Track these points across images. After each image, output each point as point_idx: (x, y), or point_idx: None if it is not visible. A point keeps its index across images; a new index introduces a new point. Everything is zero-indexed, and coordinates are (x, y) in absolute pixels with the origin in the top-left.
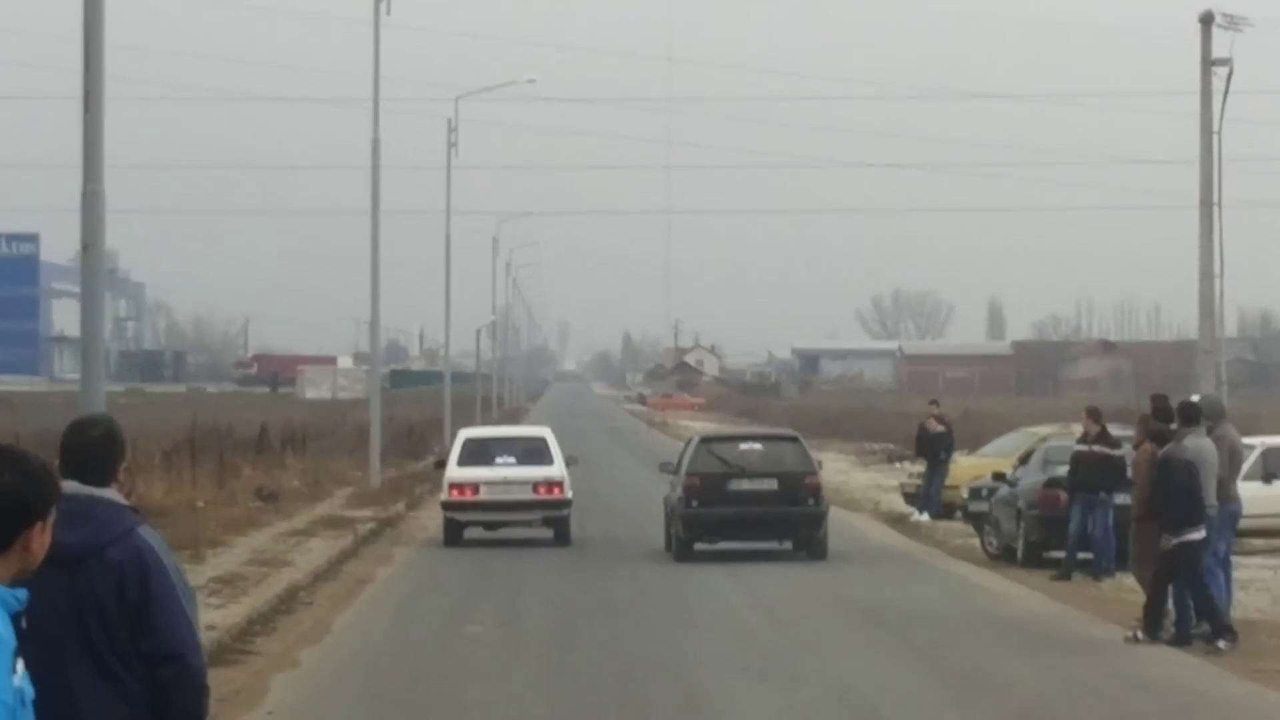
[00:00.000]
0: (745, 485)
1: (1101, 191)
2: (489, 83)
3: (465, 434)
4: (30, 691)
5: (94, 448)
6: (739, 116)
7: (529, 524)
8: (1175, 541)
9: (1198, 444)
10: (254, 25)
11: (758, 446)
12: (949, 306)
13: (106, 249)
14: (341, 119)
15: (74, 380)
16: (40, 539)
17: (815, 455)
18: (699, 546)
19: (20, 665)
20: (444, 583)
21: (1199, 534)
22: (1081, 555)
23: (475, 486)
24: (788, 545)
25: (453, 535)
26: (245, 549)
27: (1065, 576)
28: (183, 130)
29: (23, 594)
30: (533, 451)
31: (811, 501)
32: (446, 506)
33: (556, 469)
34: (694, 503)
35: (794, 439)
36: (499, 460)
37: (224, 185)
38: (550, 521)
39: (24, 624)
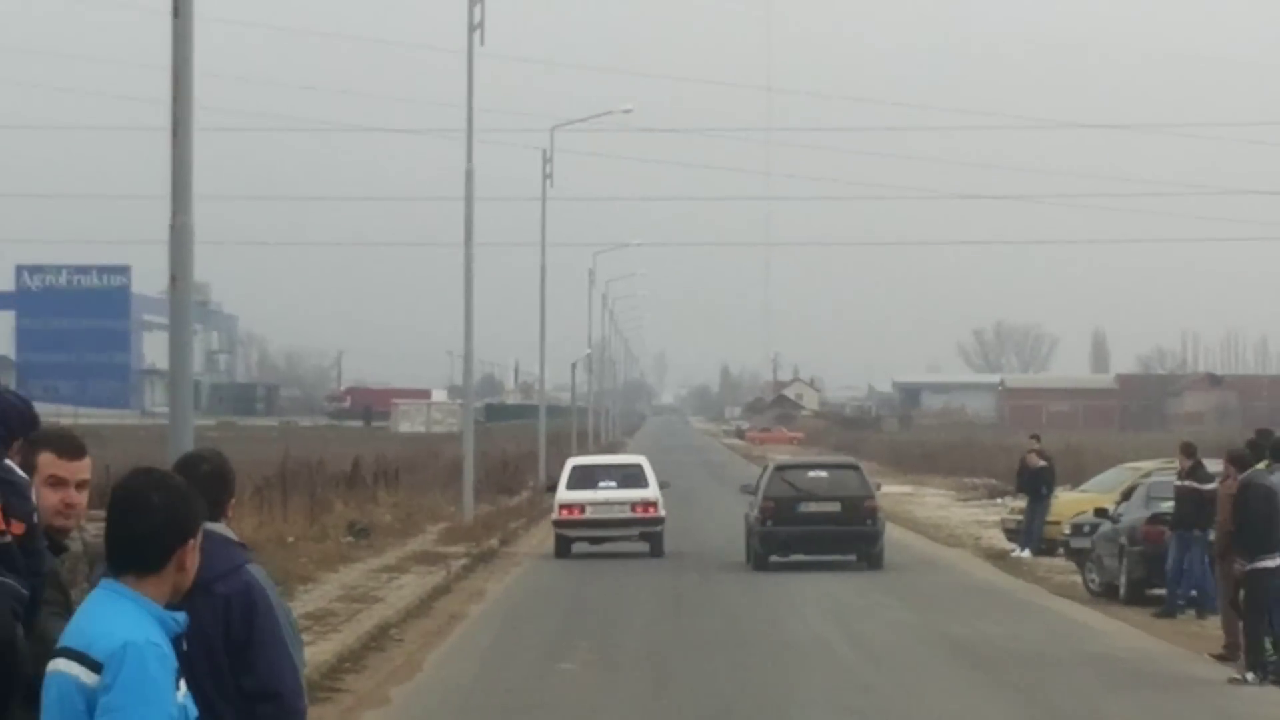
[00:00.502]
0: (813, 507)
1: (1207, 223)
2: (585, 113)
3: (572, 462)
4: (194, 710)
5: (203, 484)
6: (839, 147)
7: (629, 539)
8: (1249, 567)
9: None
10: (348, 55)
11: (824, 474)
12: (1052, 339)
13: (198, 281)
14: (436, 150)
15: (165, 413)
16: (192, 557)
17: (873, 480)
18: (779, 559)
19: (183, 685)
20: (537, 619)
21: (1273, 562)
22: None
23: (582, 507)
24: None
25: (563, 549)
26: (336, 585)
27: (1169, 614)
28: (276, 161)
29: (182, 617)
30: (631, 476)
31: (870, 522)
32: (557, 524)
33: (651, 491)
34: (769, 522)
35: (855, 467)
36: (602, 484)
37: (317, 217)
38: (646, 536)
39: (184, 646)
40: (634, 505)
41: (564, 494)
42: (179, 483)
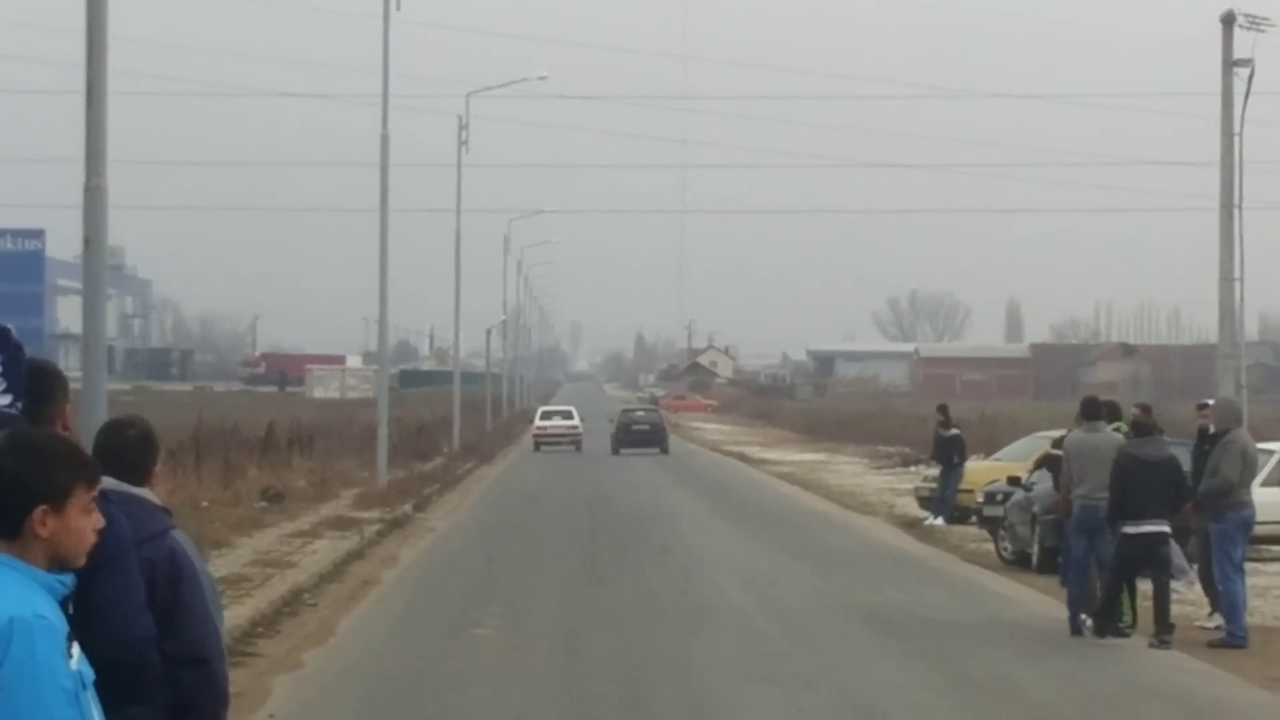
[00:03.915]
0: (637, 427)
1: (1121, 193)
2: (501, 79)
3: (541, 408)
4: (90, 674)
5: (128, 449)
6: (754, 115)
7: (566, 445)
8: (1121, 531)
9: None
10: (263, 20)
11: (643, 412)
12: (966, 309)
13: (113, 245)
14: (352, 115)
15: (79, 378)
16: (52, 523)
17: (668, 416)
18: (625, 450)
19: (75, 649)
20: (450, 585)
21: (1135, 529)
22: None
23: (545, 429)
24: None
25: (536, 448)
26: (249, 550)
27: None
28: (192, 126)
29: (68, 579)
30: (567, 414)
31: (663, 433)
32: (535, 436)
33: (576, 421)
34: (618, 433)
35: (656, 409)
36: (555, 418)
37: (233, 182)
38: (574, 443)
39: (70, 609)
40: (568, 428)
41: (537, 422)
42: (44, 444)
